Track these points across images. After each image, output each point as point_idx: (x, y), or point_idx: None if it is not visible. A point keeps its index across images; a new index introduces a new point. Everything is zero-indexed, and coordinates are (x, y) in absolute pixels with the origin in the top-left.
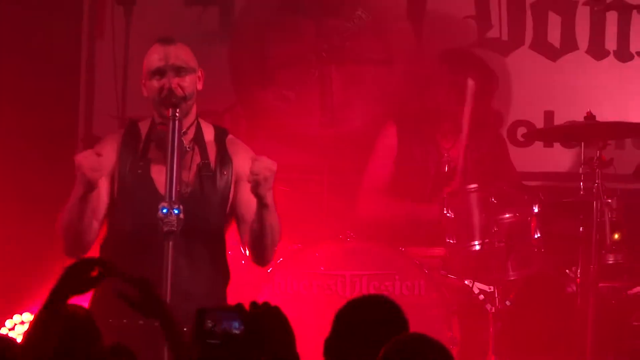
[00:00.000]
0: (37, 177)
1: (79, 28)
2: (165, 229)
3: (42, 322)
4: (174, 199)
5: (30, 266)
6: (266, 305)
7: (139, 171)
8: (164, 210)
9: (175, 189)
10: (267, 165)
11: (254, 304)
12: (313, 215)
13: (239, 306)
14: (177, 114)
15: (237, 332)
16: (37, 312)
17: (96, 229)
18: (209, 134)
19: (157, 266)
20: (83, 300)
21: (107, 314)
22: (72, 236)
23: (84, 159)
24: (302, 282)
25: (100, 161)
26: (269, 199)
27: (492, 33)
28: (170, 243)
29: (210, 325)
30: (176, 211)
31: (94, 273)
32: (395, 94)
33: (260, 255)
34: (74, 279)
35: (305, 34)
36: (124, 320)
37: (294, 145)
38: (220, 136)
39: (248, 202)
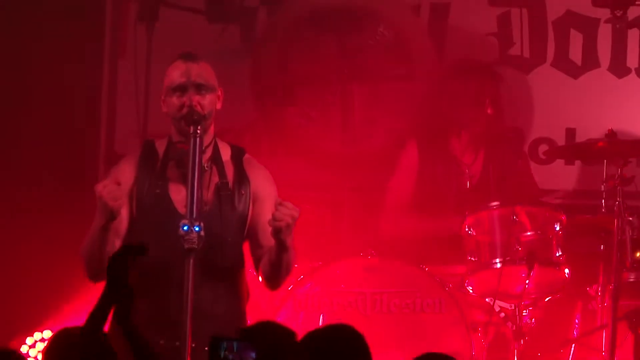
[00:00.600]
0: (60, 196)
1: (102, 46)
2: (187, 246)
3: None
4: (195, 216)
5: (51, 284)
6: (282, 333)
7: (157, 190)
8: (185, 228)
9: (197, 206)
10: (290, 213)
11: (264, 328)
12: (334, 233)
13: (248, 331)
14: (198, 131)
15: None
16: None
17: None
18: (226, 153)
19: (177, 285)
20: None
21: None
22: (95, 263)
23: (104, 188)
24: (322, 300)
25: (120, 190)
26: (289, 242)
27: (514, 50)
28: (191, 260)
29: (225, 355)
30: (197, 228)
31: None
32: (416, 111)
33: (273, 284)
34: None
35: (326, 52)
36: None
37: (316, 163)
38: (237, 155)
39: (265, 229)
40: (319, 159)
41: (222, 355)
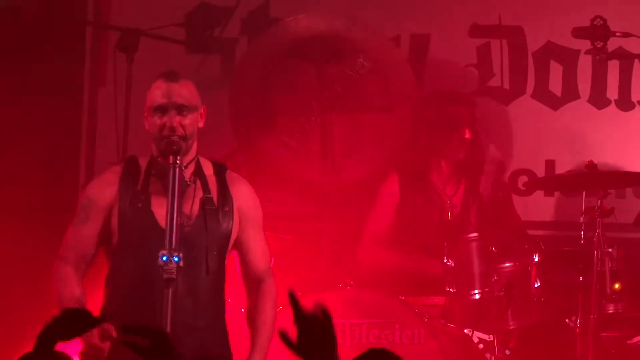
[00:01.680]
0: (38, 226)
1: (81, 75)
2: (165, 276)
3: None
4: (174, 245)
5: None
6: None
7: (139, 205)
8: (164, 258)
9: (176, 235)
10: None
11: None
12: (313, 263)
13: None
14: (178, 162)
15: None
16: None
17: (84, 274)
18: (208, 168)
19: (159, 299)
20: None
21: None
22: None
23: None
24: None
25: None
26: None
27: (494, 81)
28: (170, 290)
29: None
30: (176, 259)
31: (84, 320)
32: (397, 141)
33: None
34: (63, 325)
35: (306, 81)
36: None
37: (295, 192)
38: (220, 171)
39: (254, 252)
40: (299, 189)
41: None
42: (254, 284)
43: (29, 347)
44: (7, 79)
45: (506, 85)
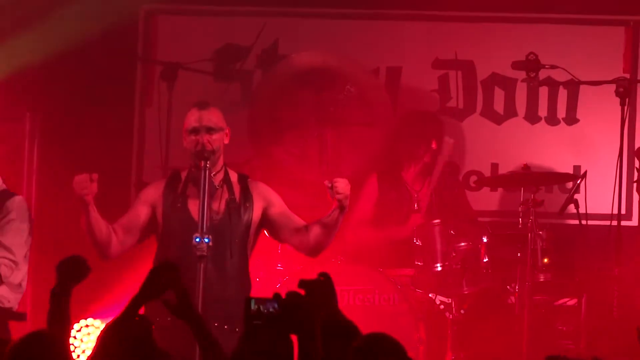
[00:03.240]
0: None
1: (133, 99)
2: (198, 254)
3: (121, 327)
4: (205, 229)
5: (92, 276)
6: (294, 293)
7: (179, 205)
8: (197, 239)
9: (207, 221)
10: (346, 185)
11: (288, 292)
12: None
13: (276, 294)
14: (207, 165)
15: (275, 312)
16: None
17: (122, 242)
18: (233, 177)
19: (193, 276)
20: None
21: (157, 313)
22: (94, 245)
23: (76, 180)
24: None
25: (90, 184)
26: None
27: (451, 103)
28: (202, 265)
29: (255, 308)
30: (207, 240)
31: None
32: (376, 149)
33: (323, 248)
34: (150, 287)
35: (307, 103)
36: (168, 319)
37: (298, 189)
38: (243, 179)
39: (292, 217)
40: (301, 186)
41: (252, 307)
42: (305, 234)
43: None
44: (76, 98)
45: (460, 106)
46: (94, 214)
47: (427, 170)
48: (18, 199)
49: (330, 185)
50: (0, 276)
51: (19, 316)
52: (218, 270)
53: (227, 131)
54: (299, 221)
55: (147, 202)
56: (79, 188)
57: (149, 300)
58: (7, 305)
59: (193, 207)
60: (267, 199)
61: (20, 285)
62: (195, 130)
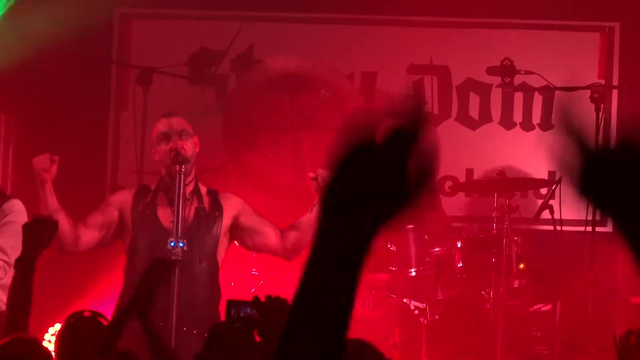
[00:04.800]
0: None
1: (108, 102)
2: (173, 258)
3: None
4: (179, 234)
5: (65, 281)
6: (273, 297)
7: (148, 212)
8: (172, 244)
9: (181, 226)
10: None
11: (267, 296)
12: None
13: (255, 298)
14: (182, 169)
15: (253, 315)
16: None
17: (93, 237)
18: (203, 189)
19: (165, 284)
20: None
21: None
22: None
23: (35, 160)
24: None
25: (50, 165)
26: None
27: (426, 108)
28: (177, 269)
29: (233, 313)
30: (181, 244)
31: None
32: None
33: (299, 250)
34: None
35: (281, 108)
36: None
37: (272, 194)
38: (213, 192)
39: (257, 223)
40: (275, 191)
41: (232, 314)
42: (280, 238)
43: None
44: (51, 102)
45: (436, 111)
46: (52, 198)
47: None
48: (16, 202)
49: (314, 176)
50: None
51: None
52: (187, 276)
53: (197, 139)
54: (273, 226)
55: (116, 207)
56: (38, 167)
57: (146, 297)
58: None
59: (163, 214)
60: (237, 208)
61: None
62: (166, 136)
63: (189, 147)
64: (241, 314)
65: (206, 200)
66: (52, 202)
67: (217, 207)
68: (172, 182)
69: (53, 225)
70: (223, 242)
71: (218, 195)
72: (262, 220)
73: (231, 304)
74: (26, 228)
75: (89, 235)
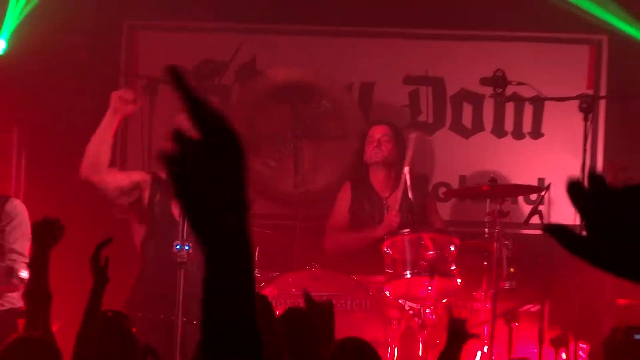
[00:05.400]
0: (83, 220)
1: None
2: (178, 260)
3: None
4: (185, 237)
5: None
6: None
7: (164, 203)
8: (178, 247)
9: (187, 229)
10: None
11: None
12: (288, 251)
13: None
14: None
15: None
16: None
17: (116, 179)
18: None
19: (174, 273)
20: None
21: (139, 308)
22: (91, 152)
23: (119, 93)
24: (279, 301)
25: (131, 104)
26: None
27: (422, 117)
28: (182, 271)
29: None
30: (187, 247)
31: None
32: (349, 160)
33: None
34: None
35: (283, 117)
36: (149, 314)
37: (275, 200)
38: None
39: None
40: (277, 197)
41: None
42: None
43: None
44: (61, 111)
45: (430, 120)
46: (110, 128)
47: (395, 178)
48: (17, 203)
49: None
50: (23, 280)
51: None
52: (191, 273)
53: None
54: None
55: (139, 177)
56: (118, 99)
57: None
58: (17, 305)
59: (175, 209)
60: None
61: None
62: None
63: None
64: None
65: None
66: (109, 133)
67: None
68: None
69: (61, 225)
70: None
71: None
72: None
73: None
74: (36, 228)
75: (116, 176)
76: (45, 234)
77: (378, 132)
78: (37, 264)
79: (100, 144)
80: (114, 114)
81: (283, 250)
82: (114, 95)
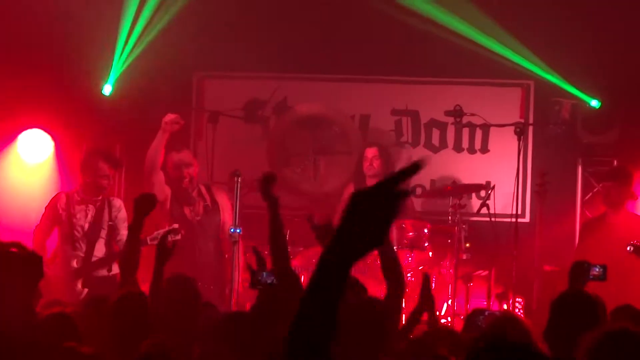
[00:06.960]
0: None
1: (189, 135)
2: (232, 240)
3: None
4: (236, 223)
5: None
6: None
7: (180, 210)
8: (232, 230)
9: (199, 218)
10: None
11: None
12: (309, 233)
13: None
14: (238, 179)
15: (272, 282)
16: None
17: (159, 167)
18: (203, 189)
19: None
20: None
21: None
22: (149, 158)
23: (170, 117)
24: (303, 268)
25: (176, 125)
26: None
27: (403, 139)
28: (236, 247)
29: (258, 278)
30: (238, 230)
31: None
32: (353, 167)
33: None
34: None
35: (306, 139)
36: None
37: (300, 196)
38: (207, 186)
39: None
40: (301, 195)
41: (256, 278)
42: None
43: None
44: (149, 136)
45: (409, 140)
46: (163, 142)
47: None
48: (120, 201)
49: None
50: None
51: None
52: (206, 249)
53: (196, 163)
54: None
55: (168, 189)
56: (168, 120)
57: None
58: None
59: (187, 211)
60: (224, 204)
61: None
62: (184, 164)
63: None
64: (263, 280)
65: (207, 197)
66: (161, 146)
67: (214, 201)
68: (178, 191)
69: (154, 198)
70: (221, 227)
71: (212, 189)
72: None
73: (254, 272)
74: (136, 200)
75: (160, 178)
76: (142, 204)
77: (370, 152)
78: (134, 227)
79: (154, 154)
80: (164, 132)
81: (306, 233)
82: (164, 120)
